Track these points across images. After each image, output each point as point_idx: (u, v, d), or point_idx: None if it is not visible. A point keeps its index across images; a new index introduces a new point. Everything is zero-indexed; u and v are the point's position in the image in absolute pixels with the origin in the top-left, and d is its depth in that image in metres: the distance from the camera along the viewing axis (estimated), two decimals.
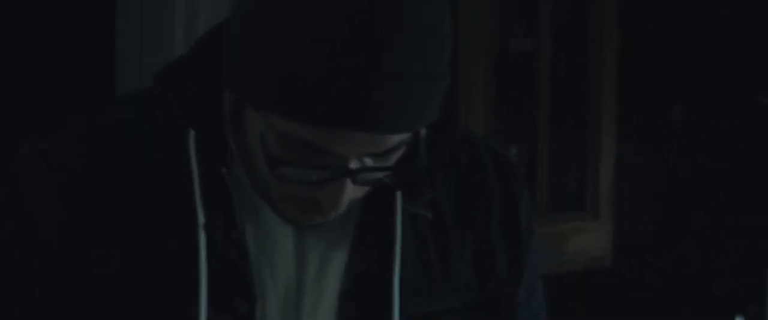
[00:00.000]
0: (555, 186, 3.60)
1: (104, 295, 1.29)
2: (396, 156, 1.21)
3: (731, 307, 3.82)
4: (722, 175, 3.85)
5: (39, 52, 3.44)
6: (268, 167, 1.19)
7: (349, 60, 1.12)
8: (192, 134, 1.27)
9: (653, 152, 3.86)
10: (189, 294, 1.26)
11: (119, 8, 2.86)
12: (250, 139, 1.22)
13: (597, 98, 3.61)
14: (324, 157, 1.17)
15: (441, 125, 1.27)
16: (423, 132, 1.23)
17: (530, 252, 1.39)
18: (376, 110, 1.14)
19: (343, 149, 1.17)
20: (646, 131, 3.86)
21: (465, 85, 3.28)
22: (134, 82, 2.75)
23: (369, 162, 1.19)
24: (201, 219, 1.26)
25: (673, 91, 3.92)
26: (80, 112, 1.37)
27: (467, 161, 1.36)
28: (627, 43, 3.70)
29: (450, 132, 1.29)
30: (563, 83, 3.58)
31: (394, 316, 1.27)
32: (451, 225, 1.33)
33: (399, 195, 1.28)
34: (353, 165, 1.18)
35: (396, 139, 1.18)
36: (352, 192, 1.21)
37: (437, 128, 1.28)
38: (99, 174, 1.30)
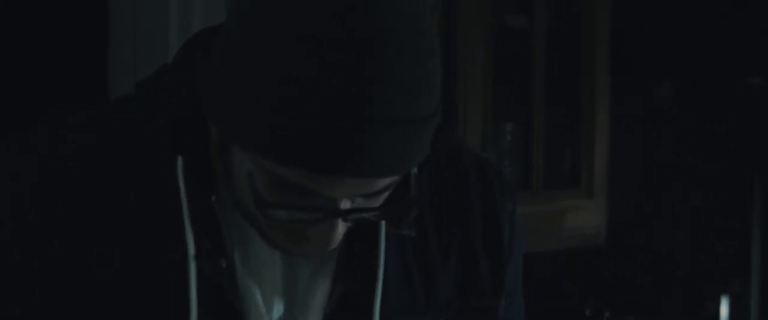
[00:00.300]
0: (550, 163, 3.60)
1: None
2: (386, 194, 1.20)
3: (719, 283, 3.84)
4: (711, 154, 3.87)
5: (30, 51, 3.41)
6: (258, 209, 1.16)
7: (338, 107, 1.10)
8: (180, 160, 1.22)
9: (643, 131, 3.86)
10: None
11: (112, 8, 2.83)
12: (237, 171, 1.19)
13: (591, 76, 3.61)
14: (315, 198, 1.16)
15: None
16: (413, 170, 1.23)
17: (512, 259, 1.39)
18: (368, 156, 1.12)
19: (335, 192, 1.15)
20: (636, 110, 3.86)
21: (462, 63, 3.27)
22: (128, 83, 2.70)
23: (360, 201, 1.18)
24: (191, 250, 1.22)
25: (661, 71, 3.92)
26: (58, 127, 1.29)
27: (452, 170, 1.36)
28: (618, 21, 3.70)
29: (438, 145, 1.28)
30: (558, 61, 3.58)
31: None
32: (433, 240, 1.34)
33: (383, 224, 1.28)
34: (344, 205, 1.17)
35: (387, 180, 1.17)
36: (342, 229, 1.19)
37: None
38: (76, 203, 1.23)
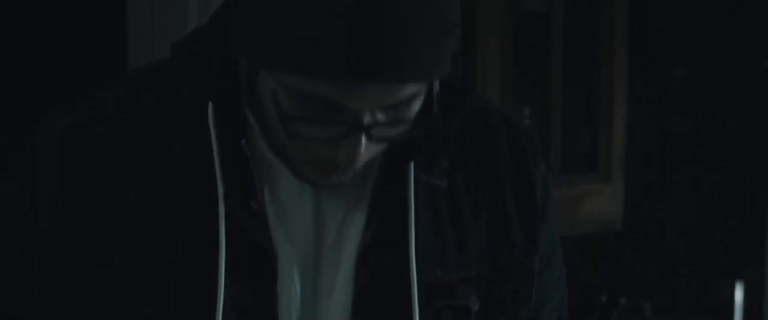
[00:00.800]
0: (568, 147, 3.58)
1: (123, 270, 1.28)
2: (410, 112, 1.20)
3: (733, 269, 3.83)
4: (726, 137, 3.86)
5: (47, 28, 3.41)
6: (282, 125, 1.18)
7: (358, 9, 1.11)
8: (211, 107, 1.26)
9: (658, 114, 3.85)
10: (209, 264, 1.26)
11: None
12: (265, 103, 1.22)
13: (609, 60, 3.59)
14: (336, 112, 1.17)
15: (455, 90, 1.27)
16: (436, 89, 1.22)
17: (545, 221, 1.39)
18: (387, 59, 1.13)
19: (355, 102, 1.16)
20: (651, 93, 3.85)
21: (481, 45, 3.25)
22: (146, 55, 2.71)
23: (382, 117, 1.19)
24: (220, 190, 1.25)
25: (676, 53, 3.91)
26: (99, 89, 1.36)
27: (481, 129, 1.37)
28: (635, 4, 3.68)
29: (464, 97, 1.30)
30: (576, 44, 3.56)
31: (412, 283, 1.28)
32: (464, 195, 1.35)
33: (412, 165, 1.28)
34: (367, 120, 1.18)
35: (408, 91, 1.17)
36: (367, 150, 1.20)
37: (451, 92, 1.28)
38: (116, 152, 1.29)
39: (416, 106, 1.21)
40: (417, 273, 1.32)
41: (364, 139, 1.19)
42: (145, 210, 1.28)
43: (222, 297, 1.27)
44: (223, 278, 1.27)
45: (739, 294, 3.79)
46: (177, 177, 1.28)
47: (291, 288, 1.31)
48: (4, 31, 3.36)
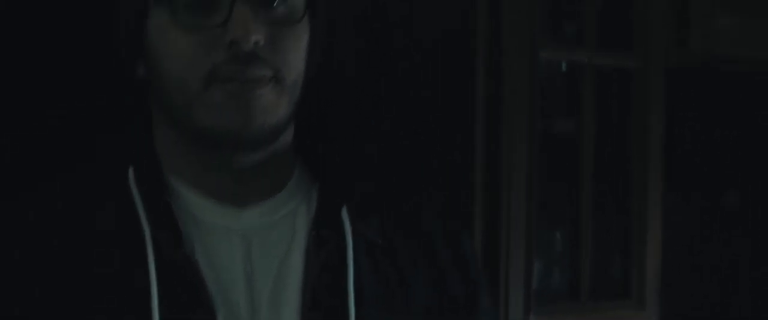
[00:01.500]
0: (598, 271, 3.47)
1: None
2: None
3: None
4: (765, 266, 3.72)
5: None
6: (172, 17, 1.27)
7: None
8: (131, 171, 1.33)
9: (702, 239, 3.72)
10: (142, 311, 1.27)
11: None
12: (158, 50, 1.30)
13: (642, 182, 3.49)
14: None
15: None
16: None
17: (482, 287, 1.44)
18: None
19: None
20: (694, 217, 3.73)
21: (507, 164, 3.18)
22: None
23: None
24: (148, 234, 1.29)
25: (724, 176, 3.80)
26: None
27: (409, 208, 1.42)
28: (673, 125, 3.59)
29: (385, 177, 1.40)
30: (608, 165, 3.47)
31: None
32: (402, 255, 1.39)
33: (345, 213, 1.33)
34: None
35: None
36: (258, 29, 1.27)
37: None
38: (46, 227, 1.34)
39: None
40: (360, 316, 1.36)
41: (249, 8, 1.27)
42: (74, 271, 1.31)
43: None
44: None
45: None
46: (105, 239, 1.32)
47: None
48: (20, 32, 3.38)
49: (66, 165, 1.48)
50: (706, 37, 3.54)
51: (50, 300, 1.30)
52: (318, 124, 1.46)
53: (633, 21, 3.46)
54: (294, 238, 1.35)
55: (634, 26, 3.46)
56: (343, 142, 1.42)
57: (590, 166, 3.41)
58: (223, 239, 1.33)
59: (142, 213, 1.32)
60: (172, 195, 1.35)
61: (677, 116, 3.59)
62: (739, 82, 3.72)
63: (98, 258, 1.31)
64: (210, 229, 1.34)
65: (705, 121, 3.77)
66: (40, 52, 3.37)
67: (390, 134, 3.12)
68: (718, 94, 3.79)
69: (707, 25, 3.55)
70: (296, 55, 1.33)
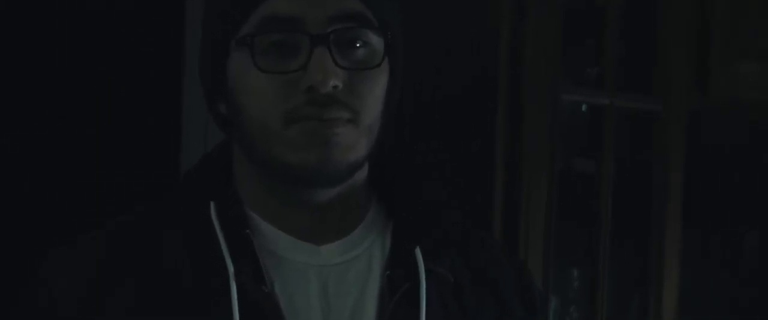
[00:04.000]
0: (615, 312, 3.50)
1: None
2: (364, 34, 1.31)
3: None
4: None
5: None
6: (253, 60, 1.28)
7: None
8: (213, 205, 1.33)
9: (720, 279, 3.75)
10: None
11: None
12: (240, 90, 1.31)
13: (661, 224, 3.53)
14: (295, 24, 1.29)
15: (437, 205, 1.36)
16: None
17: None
18: None
19: (305, 12, 1.29)
20: (713, 258, 3.76)
21: (526, 203, 3.23)
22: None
23: (338, 26, 1.30)
24: (230, 269, 1.29)
25: (745, 216, 3.83)
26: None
27: (481, 245, 1.41)
28: (693, 166, 3.63)
29: (455, 213, 1.39)
30: (626, 206, 3.51)
31: None
32: (469, 294, 1.39)
33: (419, 251, 1.32)
34: (325, 30, 1.30)
35: (351, 2, 1.30)
36: (337, 73, 1.28)
37: (433, 205, 1.36)
38: (124, 261, 1.35)
39: (370, 37, 1.32)
40: None
41: (328, 57, 1.27)
42: (160, 308, 1.32)
43: None
44: None
45: None
46: (188, 273, 1.33)
47: None
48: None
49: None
50: (727, 82, 3.58)
51: None
52: (393, 161, 1.47)
53: (655, 64, 3.51)
54: (369, 277, 1.36)
55: (655, 70, 3.51)
56: (414, 181, 1.42)
57: (608, 206, 3.45)
58: (301, 276, 1.34)
59: (225, 248, 1.32)
60: (253, 230, 1.37)
61: (697, 158, 3.63)
62: (759, 125, 3.76)
63: (182, 294, 1.32)
64: (289, 265, 1.35)
65: (725, 164, 3.81)
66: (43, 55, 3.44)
67: (417, 175, 3.18)
68: (739, 137, 3.82)
69: (728, 69, 3.59)
70: (374, 99, 1.34)
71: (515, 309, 1.43)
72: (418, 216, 1.41)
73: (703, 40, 3.61)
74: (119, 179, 3.26)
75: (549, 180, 3.25)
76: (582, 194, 3.44)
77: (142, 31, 3.42)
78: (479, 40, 3.09)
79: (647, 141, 3.54)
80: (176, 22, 2.95)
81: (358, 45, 1.31)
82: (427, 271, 1.35)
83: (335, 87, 1.29)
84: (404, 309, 1.34)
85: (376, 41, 1.33)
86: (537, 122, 3.17)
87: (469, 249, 1.43)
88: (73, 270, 1.37)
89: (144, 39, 3.43)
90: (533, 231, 3.24)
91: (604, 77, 3.44)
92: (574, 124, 3.41)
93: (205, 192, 1.38)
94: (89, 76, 3.47)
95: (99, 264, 1.37)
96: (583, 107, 3.42)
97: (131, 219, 1.43)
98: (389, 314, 1.34)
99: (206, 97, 1.41)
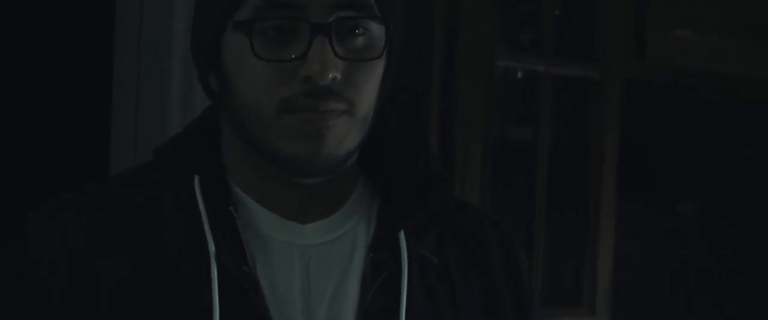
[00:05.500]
0: (550, 279, 3.51)
1: None
2: (366, 24, 1.28)
3: None
4: (729, 273, 3.76)
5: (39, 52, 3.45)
6: (251, 47, 1.25)
7: None
8: (197, 179, 1.32)
9: (654, 248, 3.77)
10: None
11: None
12: (235, 72, 1.30)
13: (596, 191, 3.53)
14: (298, 11, 1.26)
15: (436, 180, 1.32)
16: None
17: (534, 305, 1.41)
18: None
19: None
20: (648, 226, 3.77)
21: (461, 169, 3.21)
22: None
23: (342, 14, 1.26)
24: (212, 248, 1.27)
25: (680, 186, 3.84)
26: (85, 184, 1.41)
27: (465, 220, 1.38)
28: (629, 135, 3.63)
29: (445, 188, 1.35)
30: (563, 174, 3.50)
31: None
32: (456, 276, 1.36)
33: (402, 234, 1.30)
34: (327, 19, 1.26)
35: None
36: (336, 64, 1.25)
37: (432, 181, 1.33)
38: (108, 227, 1.33)
39: (372, 26, 1.29)
40: None
41: (328, 47, 1.25)
42: (139, 282, 1.30)
43: None
44: None
45: None
46: (169, 246, 1.31)
47: None
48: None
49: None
50: (663, 50, 3.58)
51: (114, 307, 1.28)
52: (379, 142, 1.43)
53: (592, 32, 3.50)
54: (352, 257, 1.33)
55: (593, 37, 3.50)
56: (401, 160, 1.37)
57: (545, 173, 3.45)
58: (284, 256, 1.31)
59: (207, 226, 1.30)
60: (236, 206, 1.36)
61: (633, 126, 3.64)
62: (695, 93, 3.77)
63: (161, 270, 1.30)
64: (271, 243, 1.31)
65: (660, 131, 3.82)
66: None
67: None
68: (675, 105, 3.83)
69: (665, 37, 3.59)
70: (370, 90, 1.31)
71: (503, 288, 1.41)
72: (404, 197, 1.38)
73: (641, 8, 3.61)
74: (46, 181, 3.21)
75: (484, 148, 3.24)
76: (518, 161, 3.43)
77: (72, 31, 3.38)
78: (413, 3, 3.06)
79: (583, 108, 3.54)
80: (107, 21, 2.91)
81: (357, 32, 1.29)
82: (411, 255, 1.33)
83: (334, 79, 1.27)
84: (385, 295, 1.32)
85: (377, 30, 1.30)
86: (472, 89, 3.16)
87: (456, 227, 1.41)
88: (55, 237, 1.35)
89: (74, 39, 3.38)
90: (469, 198, 3.22)
91: (540, 43, 3.43)
92: (510, 91, 3.40)
93: (191, 164, 1.35)
94: (19, 75, 3.42)
95: (87, 230, 1.35)
96: (519, 74, 3.40)
97: (114, 185, 1.40)
98: (369, 299, 1.32)
99: (197, 68, 1.38)
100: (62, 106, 3.45)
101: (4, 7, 3.38)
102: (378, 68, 1.32)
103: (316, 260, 1.34)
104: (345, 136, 1.30)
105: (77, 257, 1.33)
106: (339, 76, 1.27)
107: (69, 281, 1.32)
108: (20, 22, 3.48)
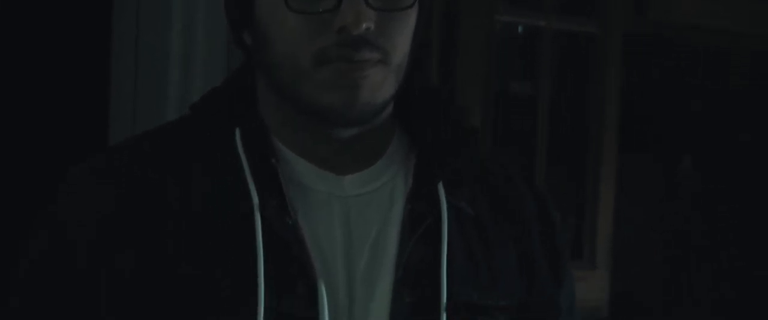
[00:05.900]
0: None
1: (164, 285, 1.31)
2: None
3: None
4: (727, 229, 3.78)
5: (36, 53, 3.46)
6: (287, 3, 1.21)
7: None
8: (238, 132, 1.32)
9: (654, 203, 3.79)
10: (248, 276, 1.23)
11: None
12: (269, 26, 1.26)
13: (597, 146, 3.54)
14: None
15: (470, 131, 1.32)
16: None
17: (565, 261, 1.41)
18: None
19: None
20: (647, 182, 3.79)
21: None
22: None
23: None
24: (255, 200, 1.26)
25: (680, 142, 3.86)
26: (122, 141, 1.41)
27: (500, 175, 1.38)
28: (630, 91, 3.64)
29: (477, 141, 1.34)
30: (564, 129, 3.52)
31: (441, 305, 1.29)
32: (491, 225, 1.36)
33: (441, 186, 1.30)
34: None
35: None
36: (369, 15, 1.18)
37: (467, 131, 1.33)
38: (150, 181, 1.31)
39: None
40: (451, 294, 1.34)
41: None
42: (183, 234, 1.27)
43: (262, 310, 1.29)
44: (263, 290, 1.30)
45: None
46: (211, 198, 1.28)
47: (327, 307, 1.32)
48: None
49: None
50: (664, 5, 3.59)
51: (158, 255, 1.29)
52: (416, 92, 1.43)
53: None
54: (392, 209, 1.32)
55: None
56: (437, 112, 1.36)
57: (545, 128, 3.47)
58: (324, 206, 1.30)
59: (250, 178, 1.30)
60: (277, 158, 1.35)
61: (634, 82, 3.65)
62: (695, 49, 3.78)
63: (203, 221, 1.30)
64: (312, 195, 1.30)
65: (661, 87, 3.83)
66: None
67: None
68: (675, 61, 3.84)
69: None
70: (403, 39, 1.29)
71: (535, 240, 1.40)
72: (440, 148, 1.37)
73: None
74: (44, 182, 3.19)
75: (485, 102, 3.26)
76: (518, 116, 3.45)
77: (69, 33, 3.37)
78: None
79: (584, 63, 3.55)
80: (104, 23, 2.91)
81: None
82: (449, 206, 1.33)
83: (368, 28, 1.26)
84: (425, 247, 1.32)
85: None
86: (473, 44, 3.17)
87: (490, 181, 1.40)
88: (95, 193, 1.36)
89: (71, 41, 3.38)
90: None
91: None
92: (511, 47, 3.41)
93: (231, 118, 1.36)
94: (16, 77, 3.42)
95: (129, 174, 1.35)
96: (520, 29, 3.41)
97: (151, 139, 1.40)
98: (410, 249, 1.32)
99: (231, 25, 1.38)
100: (59, 108, 3.47)
101: (2, 9, 3.40)
102: (410, 17, 1.32)
103: (355, 211, 1.34)
104: (380, 85, 1.31)
105: (108, 217, 1.33)
106: (372, 25, 1.27)
107: (99, 241, 1.32)
108: (18, 24, 3.49)
